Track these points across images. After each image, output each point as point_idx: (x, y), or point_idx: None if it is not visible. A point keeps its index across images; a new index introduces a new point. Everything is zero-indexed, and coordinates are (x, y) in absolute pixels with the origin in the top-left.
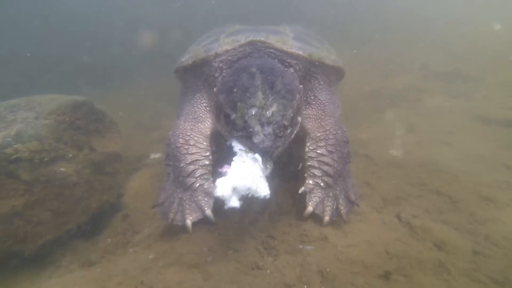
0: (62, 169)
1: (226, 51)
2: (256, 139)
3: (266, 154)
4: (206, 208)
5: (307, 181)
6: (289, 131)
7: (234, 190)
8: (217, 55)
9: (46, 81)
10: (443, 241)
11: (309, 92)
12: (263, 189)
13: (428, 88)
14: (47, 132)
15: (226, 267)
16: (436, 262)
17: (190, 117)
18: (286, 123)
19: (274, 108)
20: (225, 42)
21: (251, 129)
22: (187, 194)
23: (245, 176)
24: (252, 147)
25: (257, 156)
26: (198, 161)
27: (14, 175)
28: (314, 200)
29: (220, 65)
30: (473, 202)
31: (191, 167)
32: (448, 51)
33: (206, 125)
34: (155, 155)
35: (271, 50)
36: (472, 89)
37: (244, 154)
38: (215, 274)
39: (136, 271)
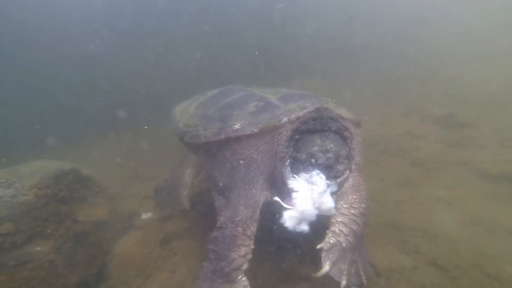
0: (38, 248)
1: (298, 117)
2: (320, 160)
3: (329, 169)
4: None
5: (327, 239)
6: (345, 166)
7: (304, 217)
8: (289, 121)
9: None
10: None
11: (353, 152)
12: (329, 205)
13: (423, 135)
14: (24, 211)
15: None
16: None
17: (251, 201)
18: (343, 154)
19: (331, 145)
20: (292, 109)
21: (315, 155)
22: (228, 285)
23: (310, 198)
24: (316, 169)
25: (319, 177)
26: (248, 254)
27: None
28: (331, 259)
29: (290, 132)
30: (475, 279)
31: (242, 260)
32: (442, 90)
33: (259, 208)
34: (145, 215)
35: (331, 115)
36: (468, 136)
37: (305, 180)
38: None
39: None
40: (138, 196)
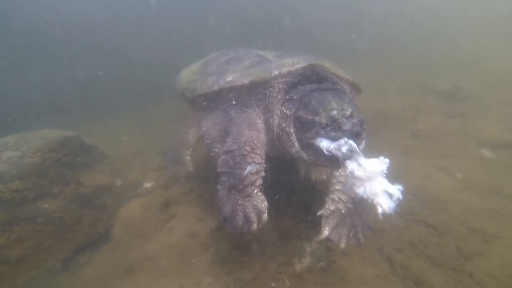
0: (46, 205)
1: (289, 72)
2: (346, 126)
3: (358, 137)
4: (265, 211)
5: (327, 205)
6: (366, 133)
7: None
8: (280, 75)
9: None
10: (422, 280)
11: None
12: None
13: (425, 108)
14: (31, 170)
15: None
16: None
17: (253, 127)
18: (364, 119)
19: (350, 109)
20: (285, 64)
21: (339, 121)
22: (247, 200)
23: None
24: (341, 136)
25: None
26: (260, 171)
27: None
28: (330, 225)
29: (283, 86)
30: (461, 235)
31: (255, 177)
32: (450, 66)
33: (264, 137)
34: (147, 185)
35: (327, 74)
36: (470, 108)
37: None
38: None
39: None
40: (142, 169)
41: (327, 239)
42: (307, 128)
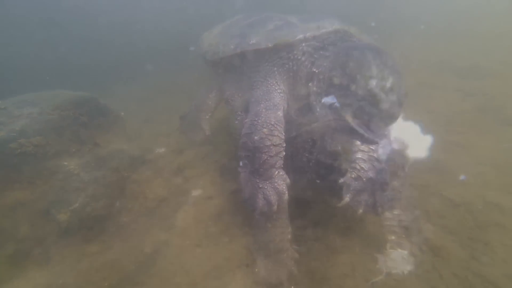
0: (65, 163)
1: (314, 36)
2: (383, 105)
3: (391, 120)
4: (285, 192)
5: (348, 174)
6: (400, 112)
7: None
8: (305, 39)
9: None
10: (439, 246)
11: None
12: None
13: (442, 85)
14: (51, 127)
15: None
16: (429, 267)
17: (270, 103)
18: (404, 93)
19: (391, 80)
20: (310, 28)
21: (377, 96)
22: (268, 182)
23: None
24: (375, 115)
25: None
26: (280, 152)
27: (18, 169)
28: (351, 192)
29: (308, 49)
30: (477, 207)
31: (275, 159)
32: (469, 44)
33: (282, 112)
34: (159, 150)
35: (353, 39)
36: (489, 85)
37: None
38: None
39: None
40: (152, 136)
41: (347, 205)
42: (340, 94)
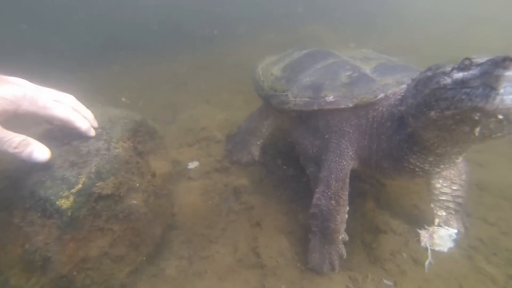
0: (134, 201)
1: (395, 93)
2: (479, 59)
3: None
4: (344, 254)
5: (439, 213)
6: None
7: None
8: (385, 98)
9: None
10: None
11: None
12: None
13: None
14: (119, 164)
15: None
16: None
17: (341, 174)
18: None
19: None
20: (388, 84)
21: (466, 61)
22: (332, 246)
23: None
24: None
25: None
26: (344, 219)
27: (98, 215)
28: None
29: (384, 109)
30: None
31: (339, 226)
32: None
33: (348, 175)
34: (191, 165)
35: None
36: None
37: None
38: None
39: None
40: (172, 143)
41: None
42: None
